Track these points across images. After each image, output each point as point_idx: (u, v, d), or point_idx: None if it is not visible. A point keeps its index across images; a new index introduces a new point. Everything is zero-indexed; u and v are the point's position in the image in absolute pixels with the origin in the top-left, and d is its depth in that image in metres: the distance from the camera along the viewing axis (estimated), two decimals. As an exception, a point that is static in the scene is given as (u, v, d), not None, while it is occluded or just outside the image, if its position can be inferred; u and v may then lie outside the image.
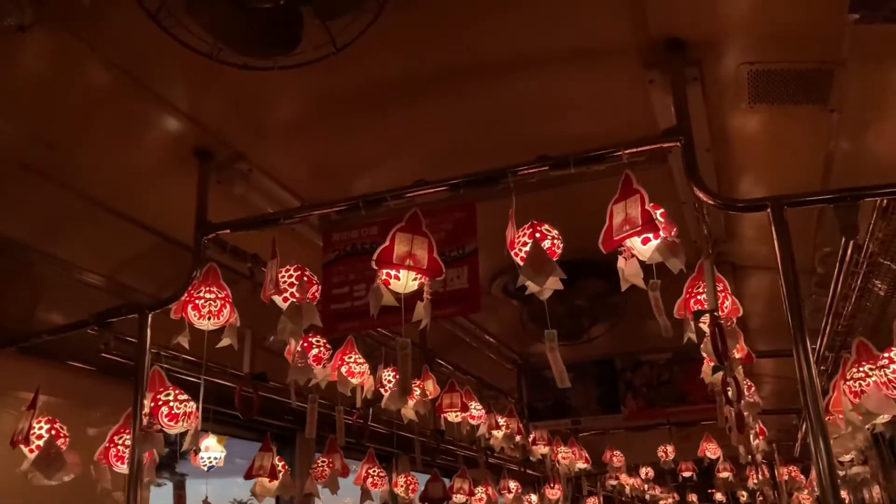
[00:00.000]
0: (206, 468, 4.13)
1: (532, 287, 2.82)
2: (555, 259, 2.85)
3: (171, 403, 3.19)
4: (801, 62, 2.88)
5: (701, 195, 2.71)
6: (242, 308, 3.38)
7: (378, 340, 4.99)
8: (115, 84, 3.04)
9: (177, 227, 3.73)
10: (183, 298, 3.26)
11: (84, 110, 3.17)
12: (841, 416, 3.15)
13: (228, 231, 3.40)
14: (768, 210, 2.55)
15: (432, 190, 3.12)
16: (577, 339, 5.78)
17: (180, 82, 3.15)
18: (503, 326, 6.29)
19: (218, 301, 3.29)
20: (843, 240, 3.23)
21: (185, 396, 3.24)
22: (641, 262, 2.76)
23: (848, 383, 3.01)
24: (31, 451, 3.39)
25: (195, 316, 3.27)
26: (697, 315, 3.12)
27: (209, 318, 3.27)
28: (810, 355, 2.43)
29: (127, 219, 3.75)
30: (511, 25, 2.93)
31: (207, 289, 3.29)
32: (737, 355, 3.59)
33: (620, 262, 2.79)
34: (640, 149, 2.83)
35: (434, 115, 3.45)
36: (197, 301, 3.26)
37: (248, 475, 4.31)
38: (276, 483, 4.33)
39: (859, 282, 3.54)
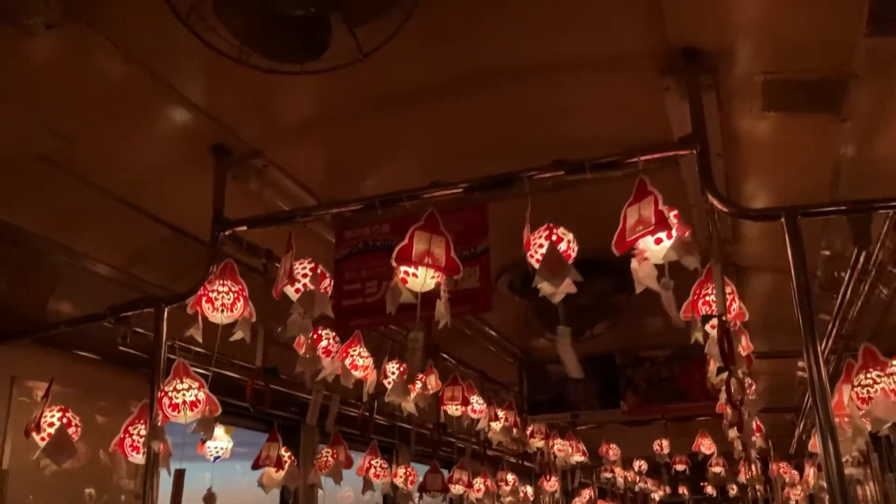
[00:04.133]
0: (212, 458, 4.16)
1: (546, 289, 2.86)
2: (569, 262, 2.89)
3: (171, 393, 3.18)
4: (816, 72, 2.92)
5: (715, 202, 2.76)
6: (255, 303, 3.41)
7: (385, 335, 5.03)
8: (134, 79, 3.07)
9: (191, 222, 3.77)
10: (199, 293, 3.28)
11: (103, 105, 3.20)
12: (844, 419, 3.21)
13: (245, 227, 3.43)
14: (782, 219, 2.60)
15: (447, 192, 3.16)
16: (580, 336, 5.83)
17: (199, 79, 3.18)
18: (506, 321, 6.34)
19: (231, 294, 3.29)
20: (856, 249, 3.28)
21: (184, 385, 3.21)
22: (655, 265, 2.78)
23: (855, 389, 3.06)
24: (43, 439, 3.42)
25: (209, 309, 3.27)
26: (706, 319, 3.16)
27: (222, 311, 3.27)
28: (820, 358, 2.47)
29: (142, 213, 3.78)
30: (530, 31, 2.97)
31: (222, 282, 3.30)
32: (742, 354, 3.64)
33: (634, 265, 2.79)
34: (655, 155, 2.87)
35: (450, 118, 3.49)
36: (211, 294, 3.28)
37: (256, 465, 4.35)
38: (282, 473, 4.37)
39: (866, 288, 3.59)
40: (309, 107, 3.41)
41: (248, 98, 3.27)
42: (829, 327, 4.36)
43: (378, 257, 3.73)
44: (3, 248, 3.60)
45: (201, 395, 3.22)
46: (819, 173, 3.48)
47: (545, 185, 3.00)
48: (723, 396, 3.81)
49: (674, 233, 2.67)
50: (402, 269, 2.85)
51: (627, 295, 5.70)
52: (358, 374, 4.19)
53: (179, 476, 3.20)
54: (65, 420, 3.47)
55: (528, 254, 2.93)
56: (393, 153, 3.79)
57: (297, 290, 3.30)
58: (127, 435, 3.45)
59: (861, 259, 3.35)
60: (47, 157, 3.35)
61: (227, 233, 3.42)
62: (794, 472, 9.28)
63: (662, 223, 2.64)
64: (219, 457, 4.17)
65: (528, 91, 3.31)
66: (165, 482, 3.34)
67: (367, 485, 5.09)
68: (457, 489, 6.02)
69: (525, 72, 3.19)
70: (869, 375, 3.03)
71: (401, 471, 5.50)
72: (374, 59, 2.58)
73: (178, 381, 3.20)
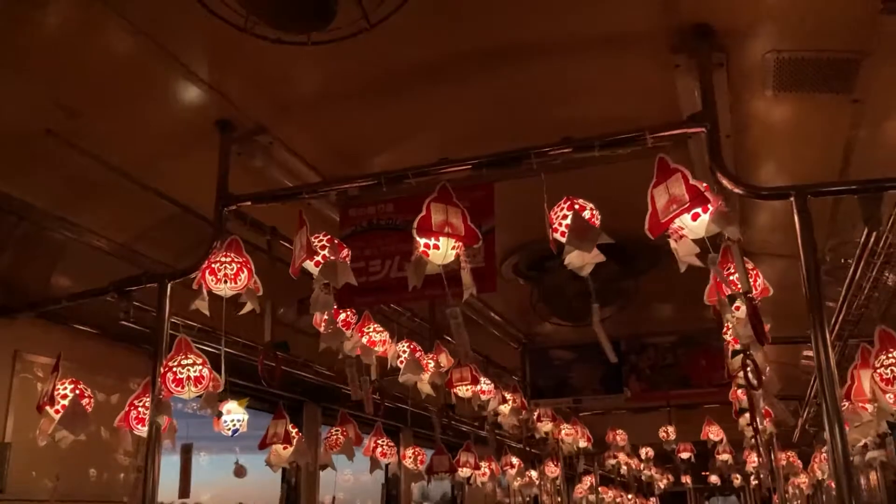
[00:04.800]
0: (229, 432, 4.09)
1: (574, 260, 2.77)
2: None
3: (175, 368, 3.15)
4: (829, 51, 2.88)
5: (725, 182, 2.72)
6: (260, 280, 3.38)
7: (389, 316, 5.01)
8: (140, 52, 3.04)
9: (195, 198, 3.75)
10: (203, 267, 3.25)
11: (109, 78, 3.17)
12: (863, 404, 3.17)
13: (249, 203, 3.40)
14: (791, 198, 2.57)
15: (455, 169, 3.12)
16: (585, 320, 5.80)
17: (206, 52, 3.15)
18: (510, 306, 6.32)
19: (234, 265, 3.22)
20: (865, 231, 3.25)
21: (189, 361, 3.17)
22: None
23: (878, 371, 3.02)
24: (57, 412, 3.40)
25: (212, 280, 3.21)
26: (732, 299, 3.08)
27: (225, 282, 3.20)
28: (829, 343, 2.45)
29: (146, 189, 3.76)
30: (539, 7, 2.93)
31: (226, 254, 3.23)
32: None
33: (673, 244, 2.68)
34: (665, 133, 2.83)
35: (457, 96, 3.45)
36: (214, 265, 3.21)
37: (263, 444, 4.31)
38: (290, 450, 4.34)
39: (874, 272, 3.56)
40: (314, 82, 3.38)
41: (253, 72, 3.24)
42: (836, 313, 4.32)
43: (382, 236, 3.71)
44: (7, 223, 3.60)
45: (205, 371, 3.20)
46: (829, 155, 3.45)
47: (554, 162, 2.96)
48: (740, 379, 3.74)
49: (709, 206, 2.58)
50: (422, 241, 2.79)
51: (636, 281, 5.70)
52: (378, 349, 4.18)
53: (187, 450, 3.18)
54: (77, 392, 3.47)
55: (551, 228, 2.85)
56: (399, 132, 3.76)
57: (317, 263, 3.25)
58: (133, 408, 3.44)
59: (870, 242, 3.32)
60: (53, 132, 3.33)
61: (231, 208, 3.39)
62: (799, 462, 9.26)
63: (699, 197, 2.56)
64: (237, 430, 4.09)
65: (536, 69, 3.27)
66: (166, 460, 3.33)
67: (375, 464, 5.08)
68: (464, 472, 6.03)
69: (533, 49, 3.15)
70: (891, 355, 3.00)
71: (409, 451, 5.52)
72: (381, 32, 2.56)
73: (183, 357, 3.18)
